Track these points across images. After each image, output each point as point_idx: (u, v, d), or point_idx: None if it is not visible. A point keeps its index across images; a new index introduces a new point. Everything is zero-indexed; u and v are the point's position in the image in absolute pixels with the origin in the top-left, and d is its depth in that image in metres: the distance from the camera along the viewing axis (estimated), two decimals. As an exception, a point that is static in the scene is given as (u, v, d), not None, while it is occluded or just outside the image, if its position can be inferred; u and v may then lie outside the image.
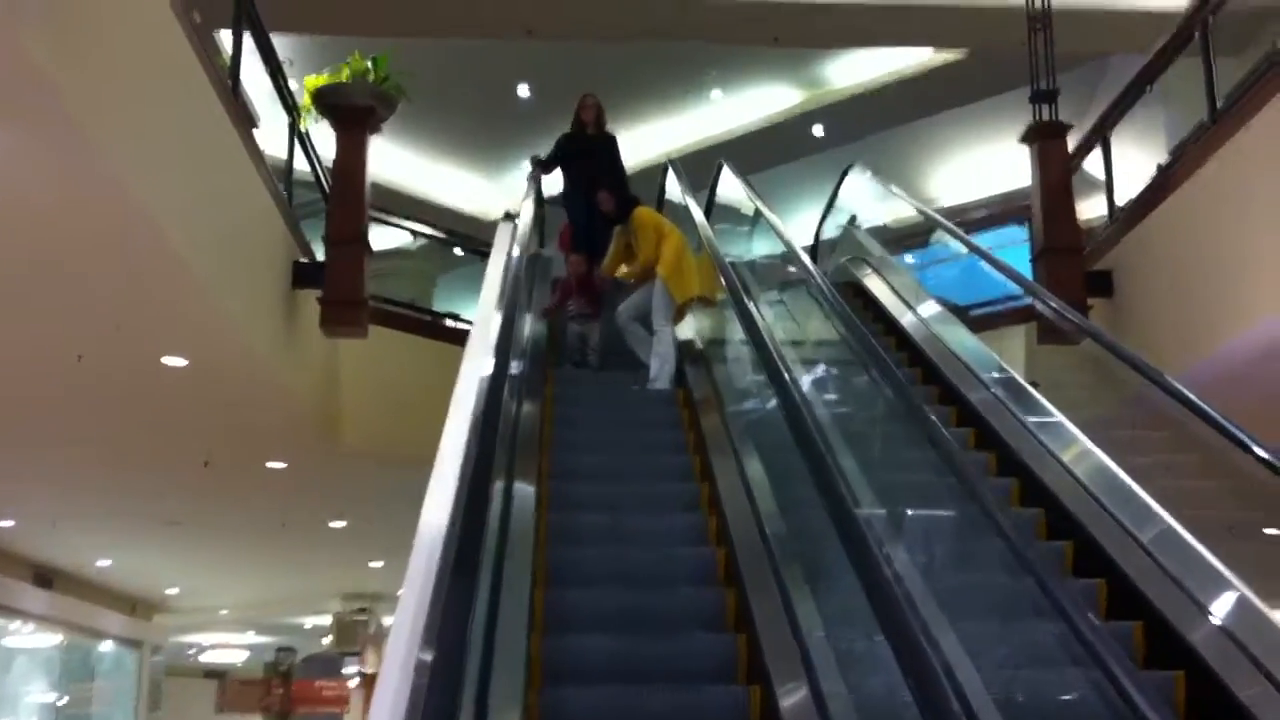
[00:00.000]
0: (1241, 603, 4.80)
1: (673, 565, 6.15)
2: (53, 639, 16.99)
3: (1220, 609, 4.84)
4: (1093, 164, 10.44)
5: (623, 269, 9.96)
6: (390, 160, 16.08)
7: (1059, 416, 6.68)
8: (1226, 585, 4.94)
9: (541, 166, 11.25)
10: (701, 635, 5.49)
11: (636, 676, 5.23)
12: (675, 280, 9.33)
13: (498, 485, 5.25)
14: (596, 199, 10.16)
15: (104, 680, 18.66)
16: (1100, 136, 10.14)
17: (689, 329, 9.66)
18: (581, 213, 11.13)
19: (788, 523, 5.68)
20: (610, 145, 11.63)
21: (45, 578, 16.08)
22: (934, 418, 5.39)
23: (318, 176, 10.14)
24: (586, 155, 11.32)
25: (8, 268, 6.75)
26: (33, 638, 16.52)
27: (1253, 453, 5.41)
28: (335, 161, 9.39)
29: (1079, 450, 6.30)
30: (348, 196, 9.28)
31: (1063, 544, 5.92)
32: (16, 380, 8.64)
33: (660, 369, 9.06)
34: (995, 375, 7.59)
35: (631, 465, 7.51)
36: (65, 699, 17.66)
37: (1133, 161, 10.18)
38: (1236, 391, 7.21)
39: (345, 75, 9.26)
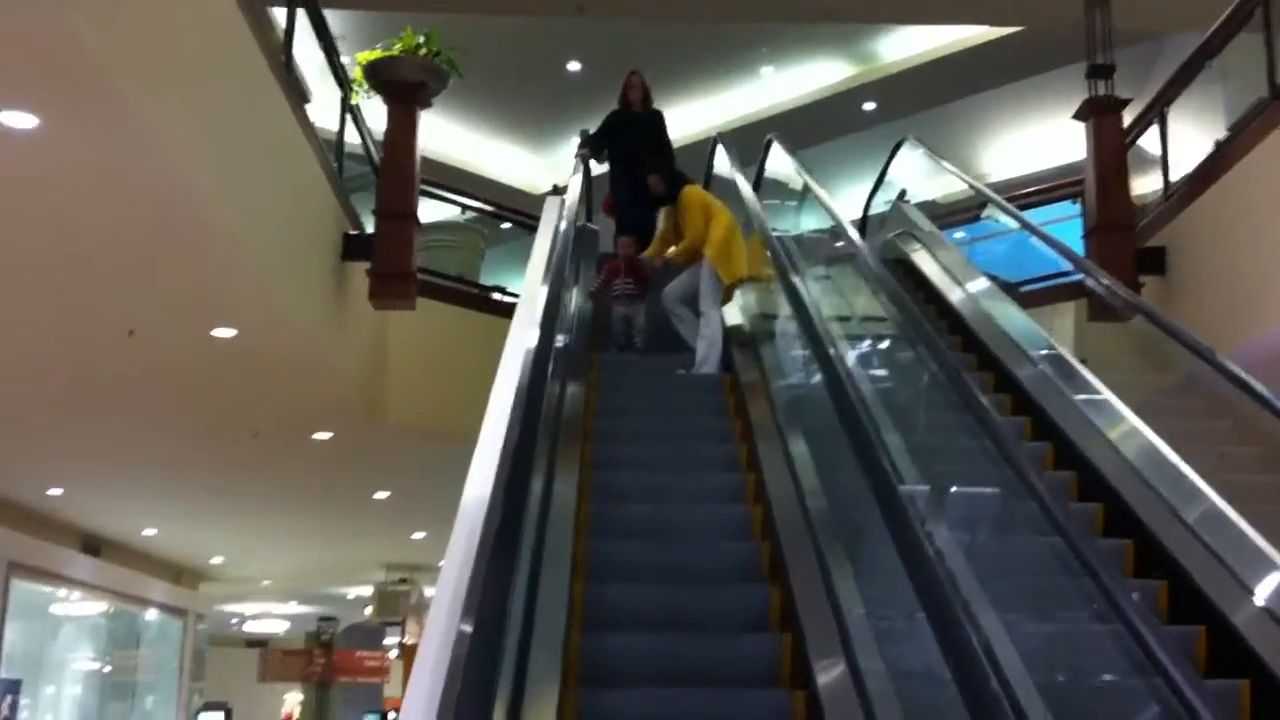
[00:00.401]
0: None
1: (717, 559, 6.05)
2: (99, 606, 17.15)
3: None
4: (1148, 141, 10.30)
5: (670, 250, 9.68)
6: (440, 134, 16.09)
7: (1108, 395, 6.57)
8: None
9: (591, 144, 11.17)
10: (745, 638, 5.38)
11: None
12: (723, 261, 9.09)
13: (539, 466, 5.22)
14: (645, 181, 9.97)
15: (148, 648, 18.82)
16: (1157, 112, 10.00)
17: (735, 311, 9.59)
18: (627, 192, 10.99)
19: (835, 514, 5.54)
20: (657, 122, 11.49)
21: (93, 545, 16.24)
22: (986, 403, 5.24)
23: (368, 150, 10.16)
24: (633, 133, 11.19)
25: (60, 245, 6.81)
26: (79, 605, 16.68)
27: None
28: (386, 135, 9.40)
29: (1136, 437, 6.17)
30: (397, 170, 9.29)
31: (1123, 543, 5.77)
32: (69, 353, 8.71)
33: (707, 353, 8.84)
34: (1044, 353, 7.48)
35: (677, 455, 7.32)
36: (110, 667, 17.84)
37: (1189, 139, 10.04)
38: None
39: (397, 50, 9.25)
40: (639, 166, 10.42)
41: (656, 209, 10.16)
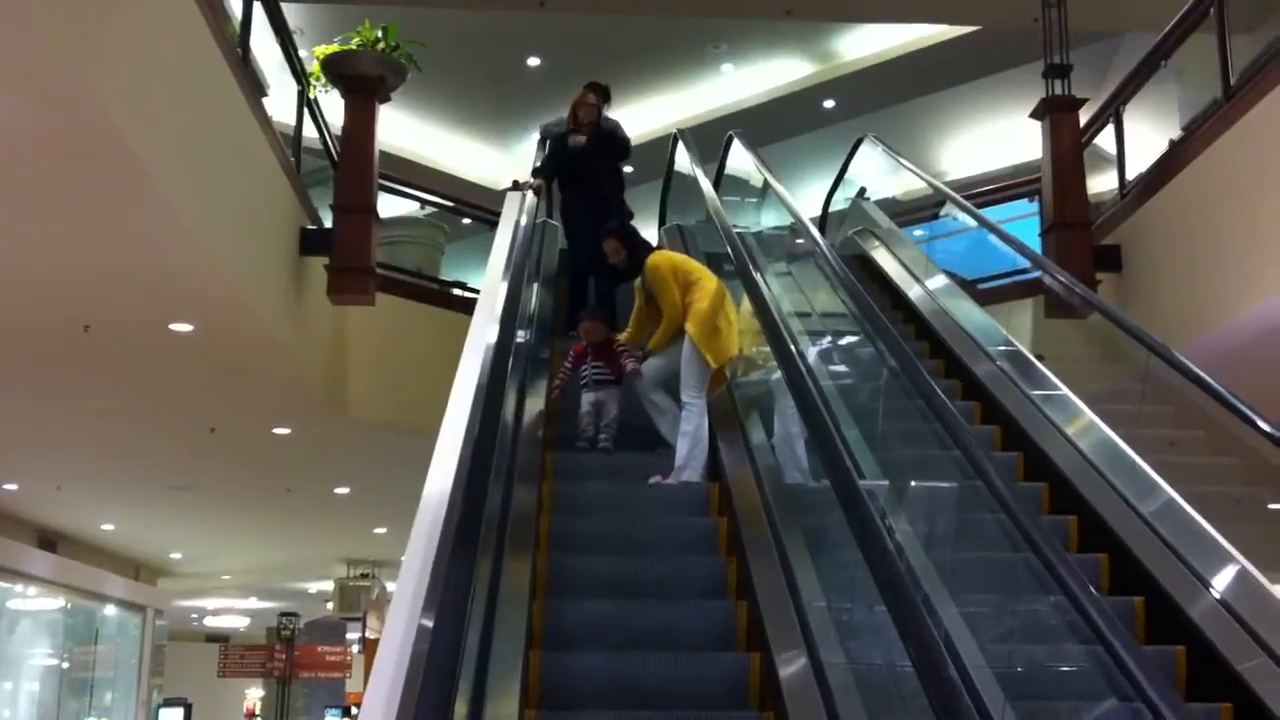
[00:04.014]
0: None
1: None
2: (56, 602, 17.05)
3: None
4: (1104, 141, 10.40)
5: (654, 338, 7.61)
6: (399, 129, 16.04)
7: (1064, 389, 6.75)
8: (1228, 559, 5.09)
9: (540, 175, 9.83)
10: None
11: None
12: (708, 340, 7.08)
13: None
14: (601, 211, 9.05)
15: (107, 644, 18.73)
16: (1113, 112, 10.11)
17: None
18: (584, 245, 9.40)
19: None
20: (611, 150, 9.94)
21: (49, 541, 16.13)
22: (940, 391, 5.37)
23: (326, 144, 10.14)
24: (585, 163, 9.76)
25: (11, 237, 6.75)
26: (36, 601, 16.58)
27: (1257, 427, 5.43)
28: (344, 130, 9.39)
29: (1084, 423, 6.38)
30: (356, 164, 9.29)
31: (1068, 519, 6.05)
32: (23, 346, 8.65)
33: (689, 454, 6.86)
34: (1001, 348, 7.63)
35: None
36: (68, 663, 17.74)
37: (1145, 138, 10.14)
38: (1241, 368, 7.20)
39: (355, 44, 9.24)
40: (597, 207, 9.48)
41: (619, 284, 8.80)
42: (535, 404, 7.31)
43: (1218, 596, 5.03)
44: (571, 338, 8.61)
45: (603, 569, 5.83)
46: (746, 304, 6.92)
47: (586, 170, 9.78)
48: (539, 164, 10.20)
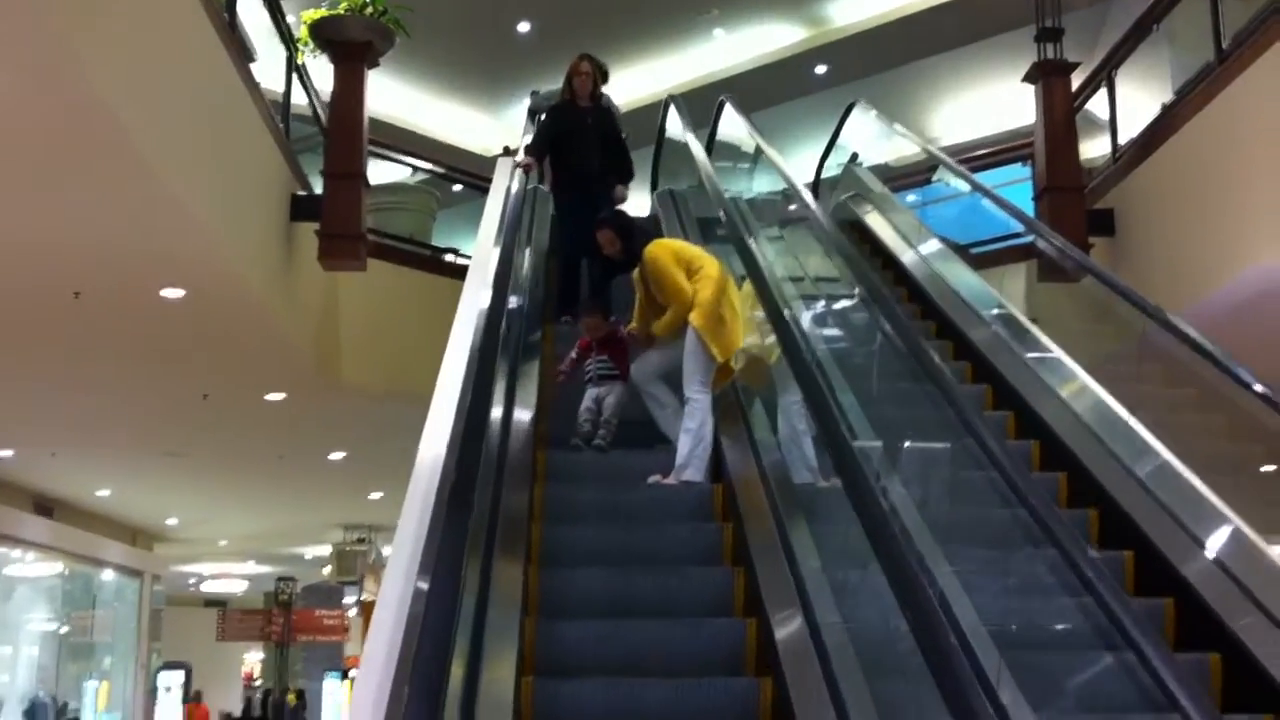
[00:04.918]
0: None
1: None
2: (54, 568, 17.10)
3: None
4: (1097, 105, 10.40)
5: (656, 326, 7.14)
6: (389, 95, 15.98)
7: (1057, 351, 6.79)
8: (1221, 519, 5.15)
9: (531, 152, 9.26)
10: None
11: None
12: (713, 331, 6.70)
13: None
14: (598, 202, 8.60)
15: (105, 609, 18.81)
16: (1105, 76, 10.10)
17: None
18: (577, 231, 8.73)
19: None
20: (609, 126, 9.56)
21: (45, 507, 16.17)
22: (932, 352, 5.39)
23: (315, 110, 10.11)
24: (581, 141, 9.27)
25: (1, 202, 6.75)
26: (34, 567, 16.63)
27: (1251, 389, 5.47)
28: (333, 96, 9.36)
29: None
30: (345, 130, 9.28)
31: (1057, 475, 6.14)
32: (13, 313, 8.64)
33: (691, 452, 6.46)
34: (994, 312, 7.66)
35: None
36: (67, 628, 17.81)
37: (1137, 102, 10.14)
38: (1234, 331, 7.22)
39: (343, 8, 9.20)
40: (591, 187, 9.14)
41: (613, 277, 8.28)
42: (529, 370, 7.29)
43: (1207, 552, 5.08)
44: (564, 324, 8.57)
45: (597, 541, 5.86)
46: (746, 288, 6.74)
47: (583, 148, 9.27)
48: (531, 140, 9.68)
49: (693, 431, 6.50)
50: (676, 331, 6.86)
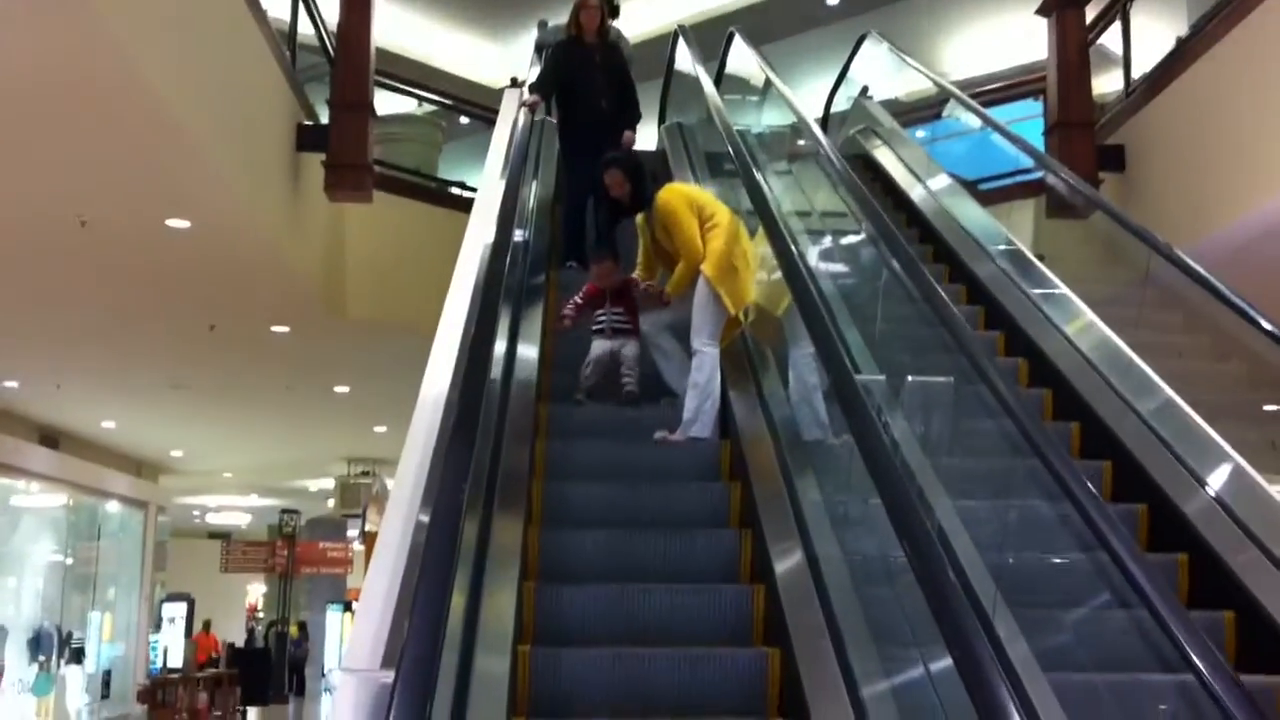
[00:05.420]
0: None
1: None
2: (59, 499, 17.16)
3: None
4: (1110, 40, 10.28)
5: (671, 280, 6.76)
6: (396, 25, 15.84)
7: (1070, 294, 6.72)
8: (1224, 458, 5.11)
9: (537, 90, 8.88)
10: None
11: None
12: (725, 280, 6.39)
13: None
14: (606, 142, 8.16)
15: (110, 541, 18.89)
16: (1119, 8, 9.98)
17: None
18: (585, 172, 8.30)
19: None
20: (618, 64, 9.12)
21: (50, 438, 16.20)
22: (944, 294, 5.29)
23: (322, 40, 10.01)
24: (588, 79, 8.84)
25: (6, 131, 6.69)
26: (39, 498, 16.68)
27: (1259, 326, 5.42)
28: (339, 25, 9.28)
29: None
30: (352, 60, 9.21)
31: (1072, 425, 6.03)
32: (19, 242, 8.61)
33: (699, 408, 6.20)
34: (1002, 248, 7.60)
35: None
36: (72, 559, 17.91)
37: (1152, 36, 10.02)
38: (1243, 269, 7.17)
39: (350, -65, 9.11)
40: (598, 128, 8.69)
41: (620, 221, 7.81)
42: (533, 312, 7.18)
43: (1220, 501, 5.00)
44: (570, 269, 8.31)
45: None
46: (759, 236, 6.41)
47: (590, 89, 8.85)
48: (536, 79, 9.30)
49: (700, 386, 6.24)
50: (688, 284, 6.54)
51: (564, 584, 4.89)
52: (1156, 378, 5.77)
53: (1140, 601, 3.68)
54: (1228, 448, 5.21)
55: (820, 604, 4.32)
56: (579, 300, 6.90)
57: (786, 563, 4.72)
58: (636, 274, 7.02)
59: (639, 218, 7.01)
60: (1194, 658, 3.35)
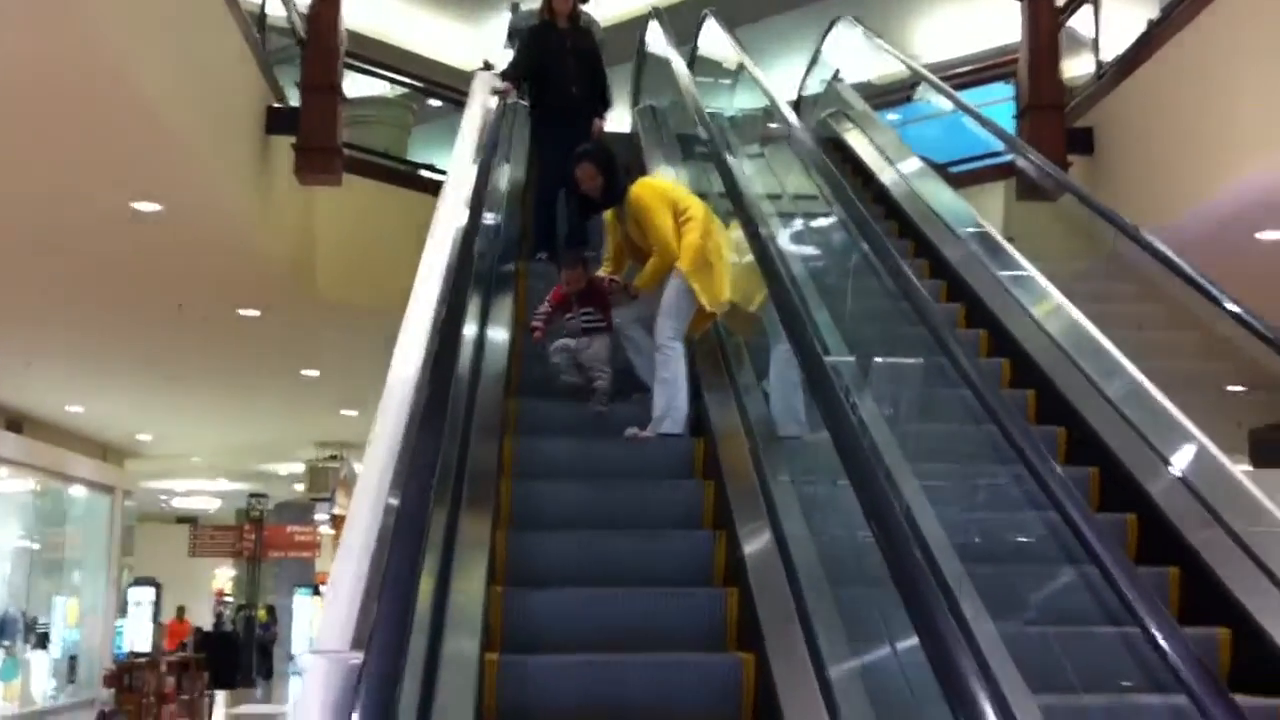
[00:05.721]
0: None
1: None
2: (25, 485, 17.05)
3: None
4: (1080, 23, 10.31)
5: (640, 275, 6.65)
6: (367, 6, 15.76)
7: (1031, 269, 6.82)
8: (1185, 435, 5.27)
9: (508, 78, 8.68)
10: None
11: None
12: (700, 275, 6.31)
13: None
14: (578, 134, 8.06)
15: (76, 525, 18.80)
16: (1090, -9, 10.02)
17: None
18: (556, 163, 8.09)
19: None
20: (589, 49, 9.03)
21: (15, 422, 16.09)
22: (907, 268, 5.32)
23: (292, 22, 9.94)
24: (559, 65, 8.77)
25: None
26: (4, 483, 16.58)
27: (1223, 307, 5.53)
28: (310, 7, 9.25)
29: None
30: (322, 43, 9.18)
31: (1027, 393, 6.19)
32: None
33: (669, 403, 6.11)
34: (971, 230, 7.66)
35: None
36: (38, 544, 17.81)
37: (1121, 20, 10.06)
38: (1209, 251, 7.23)
39: (319, -85, 9.05)
40: (569, 113, 8.68)
41: (590, 216, 7.68)
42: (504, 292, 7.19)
43: (1172, 469, 5.18)
44: (540, 260, 8.20)
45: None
46: (734, 229, 6.30)
47: (561, 74, 8.78)
48: (508, 65, 9.08)
49: (668, 382, 6.15)
50: (660, 280, 6.42)
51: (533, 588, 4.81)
52: (1111, 347, 5.94)
53: (1090, 559, 3.76)
54: (1177, 413, 5.40)
55: (796, 607, 4.25)
56: (548, 309, 6.70)
57: (760, 564, 4.65)
58: (603, 270, 6.86)
59: (608, 214, 6.89)
60: (1140, 612, 3.52)
